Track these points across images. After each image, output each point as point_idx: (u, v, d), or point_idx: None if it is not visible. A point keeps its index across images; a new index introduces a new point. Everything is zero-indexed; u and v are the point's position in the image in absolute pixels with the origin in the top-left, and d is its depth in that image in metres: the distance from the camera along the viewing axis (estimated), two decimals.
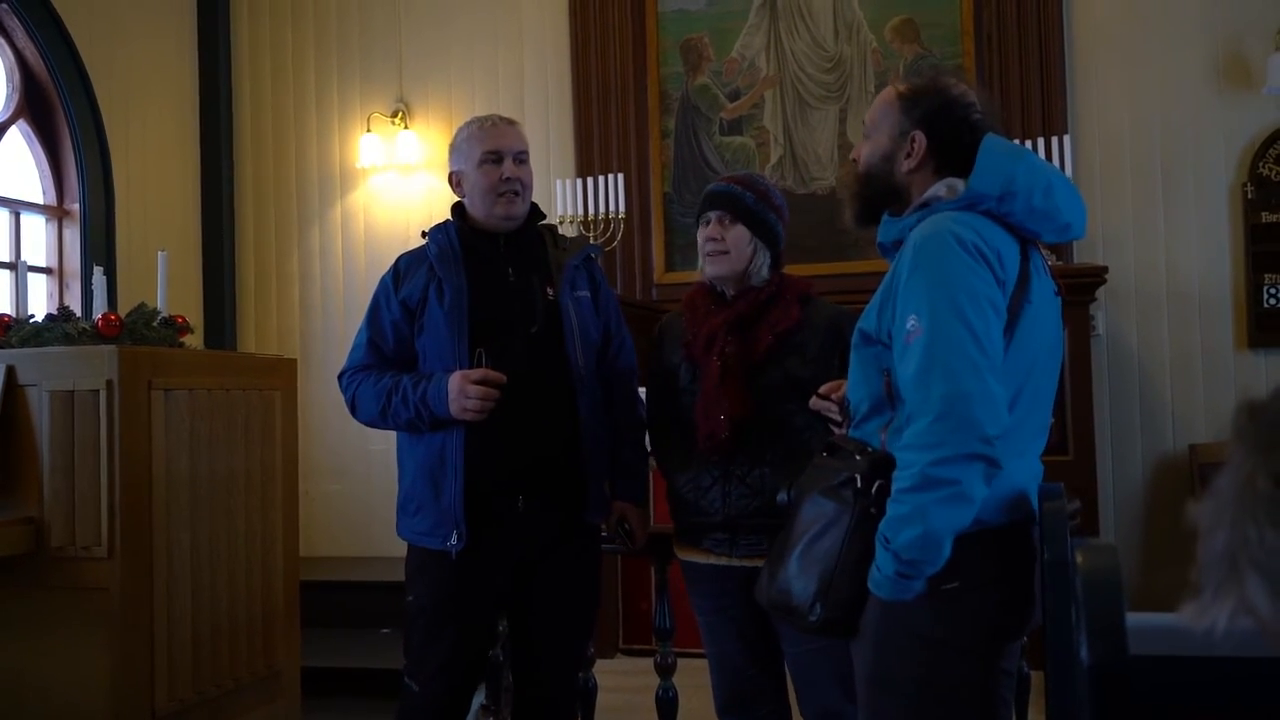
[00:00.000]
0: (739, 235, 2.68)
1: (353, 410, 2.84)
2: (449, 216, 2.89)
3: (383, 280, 2.85)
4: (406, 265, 2.84)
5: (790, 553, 2.03)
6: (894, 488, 1.87)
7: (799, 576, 2.00)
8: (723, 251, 2.67)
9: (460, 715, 2.81)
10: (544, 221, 2.93)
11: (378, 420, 2.77)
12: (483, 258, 2.79)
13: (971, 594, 1.91)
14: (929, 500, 1.81)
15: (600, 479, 2.84)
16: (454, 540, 2.67)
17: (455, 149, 2.88)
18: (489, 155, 2.79)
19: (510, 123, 2.88)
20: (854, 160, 2.19)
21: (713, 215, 2.70)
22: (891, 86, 2.17)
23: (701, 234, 2.73)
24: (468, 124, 2.89)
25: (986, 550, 1.91)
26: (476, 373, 2.62)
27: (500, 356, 2.67)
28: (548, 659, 2.84)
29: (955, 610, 1.91)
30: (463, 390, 2.60)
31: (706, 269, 2.71)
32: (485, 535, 2.69)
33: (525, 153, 2.85)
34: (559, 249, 2.87)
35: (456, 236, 2.80)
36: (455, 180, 2.87)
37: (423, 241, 2.85)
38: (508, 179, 2.78)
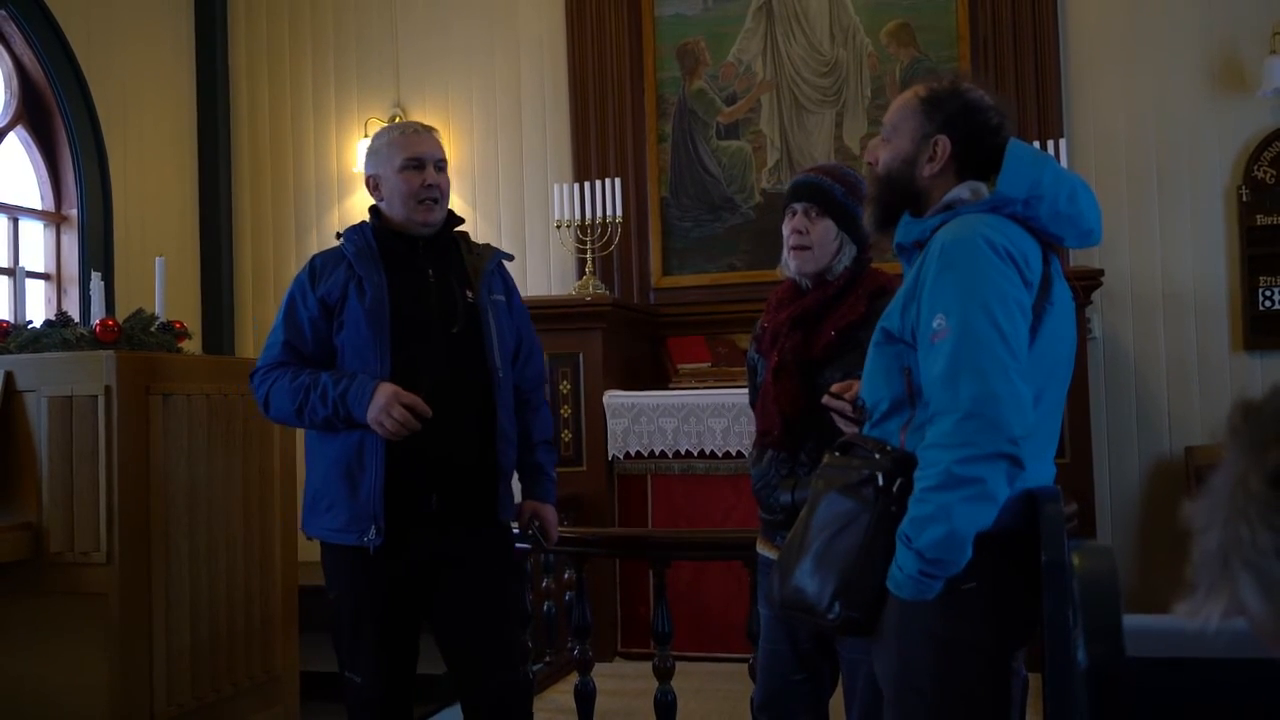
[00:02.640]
0: (825, 229, 2.61)
1: (265, 408, 2.83)
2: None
3: (298, 278, 2.85)
4: (323, 264, 2.84)
5: (806, 551, 2.02)
6: (917, 486, 1.87)
7: (815, 574, 1.99)
8: (806, 246, 2.61)
9: (408, 699, 2.82)
10: (459, 228, 2.95)
11: (292, 417, 2.77)
12: (401, 258, 2.81)
13: (989, 595, 1.92)
14: (954, 499, 1.82)
15: (509, 480, 2.87)
16: (372, 535, 2.67)
17: (374, 153, 2.89)
18: (410, 161, 2.81)
19: (430, 130, 2.91)
20: (871, 164, 2.19)
21: (798, 207, 2.63)
22: (911, 90, 2.16)
23: (786, 226, 2.66)
24: (387, 130, 2.93)
25: (1005, 552, 1.91)
26: (409, 397, 2.63)
27: (420, 356, 2.69)
28: (483, 661, 2.82)
29: (973, 610, 1.91)
30: (388, 408, 2.61)
31: (790, 264, 2.64)
32: (400, 532, 2.70)
33: (444, 161, 2.88)
34: (473, 254, 2.90)
35: (373, 237, 2.82)
36: (373, 184, 2.88)
37: (338, 243, 2.87)
38: (429, 185, 2.80)
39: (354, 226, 2.87)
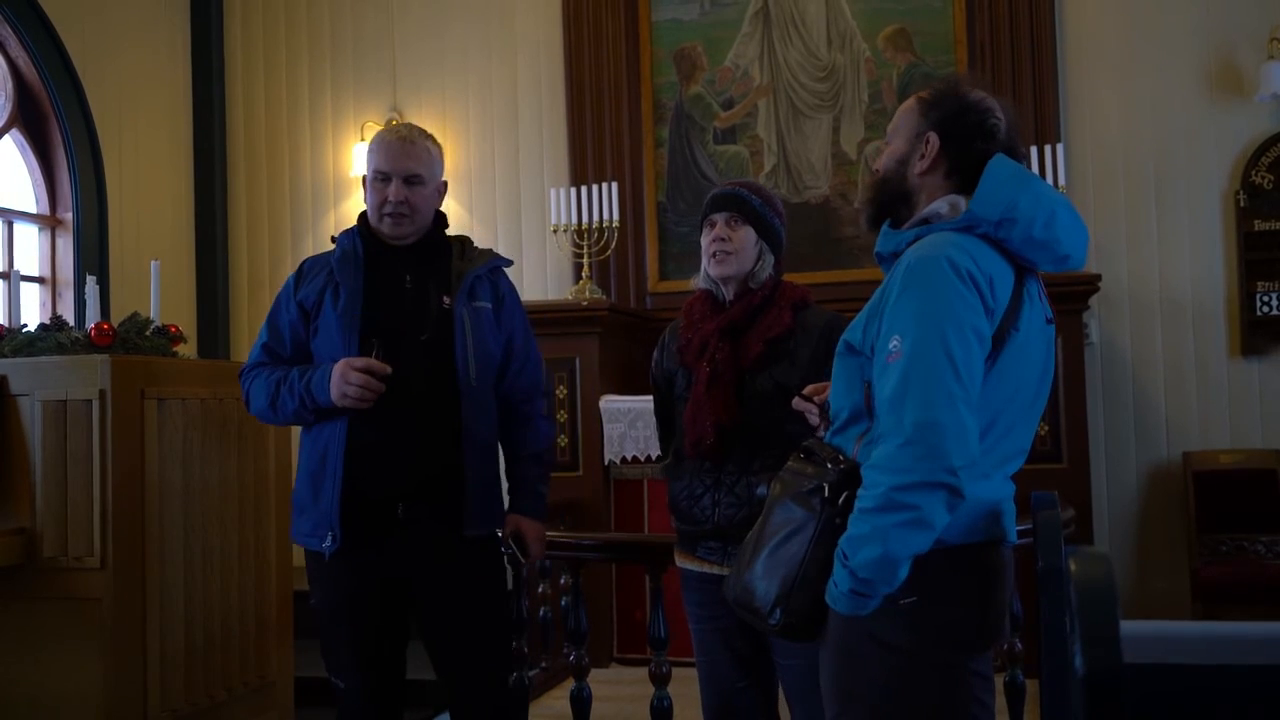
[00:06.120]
0: (746, 237, 2.67)
1: (247, 404, 2.86)
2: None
3: (286, 282, 2.87)
4: (309, 268, 2.85)
5: (758, 553, 2.03)
6: (856, 506, 1.87)
7: (762, 578, 2.00)
8: (729, 252, 2.66)
9: (397, 701, 2.81)
10: (458, 234, 2.92)
11: (267, 412, 2.79)
12: (382, 264, 2.79)
13: (932, 609, 1.91)
14: (889, 523, 1.81)
15: (483, 492, 2.79)
16: (328, 542, 2.67)
17: (366, 154, 2.88)
18: (378, 174, 2.78)
19: (409, 141, 2.79)
20: (876, 171, 2.19)
21: (719, 217, 2.69)
22: (915, 94, 2.16)
23: (707, 236, 2.71)
24: (379, 133, 2.89)
25: (947, 567, 1.90)
26: (360, 360, 2.63)
27: (390, 362, 2.66)
28: (465, 673, 2.81)
29: (917, 622, 1.91)
30: (344, 376, 2.61)
31: (712, 269, 2.69)
32: (362, 540, 2.68)
33: (419, 175, 2.77)
34: (464, 260, 2.85)
35: (360, 242, 2.81)
36: (365, 183, 2.86)
37: (333, 246, 2.87)
38: (390, 201, 2.75)
39: (346, 230, 2.85)
